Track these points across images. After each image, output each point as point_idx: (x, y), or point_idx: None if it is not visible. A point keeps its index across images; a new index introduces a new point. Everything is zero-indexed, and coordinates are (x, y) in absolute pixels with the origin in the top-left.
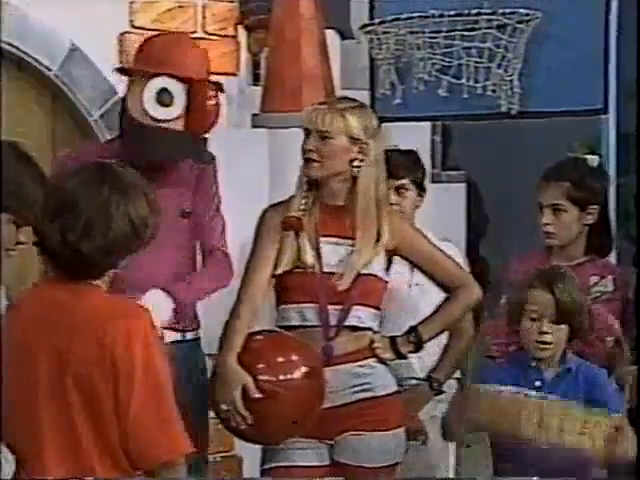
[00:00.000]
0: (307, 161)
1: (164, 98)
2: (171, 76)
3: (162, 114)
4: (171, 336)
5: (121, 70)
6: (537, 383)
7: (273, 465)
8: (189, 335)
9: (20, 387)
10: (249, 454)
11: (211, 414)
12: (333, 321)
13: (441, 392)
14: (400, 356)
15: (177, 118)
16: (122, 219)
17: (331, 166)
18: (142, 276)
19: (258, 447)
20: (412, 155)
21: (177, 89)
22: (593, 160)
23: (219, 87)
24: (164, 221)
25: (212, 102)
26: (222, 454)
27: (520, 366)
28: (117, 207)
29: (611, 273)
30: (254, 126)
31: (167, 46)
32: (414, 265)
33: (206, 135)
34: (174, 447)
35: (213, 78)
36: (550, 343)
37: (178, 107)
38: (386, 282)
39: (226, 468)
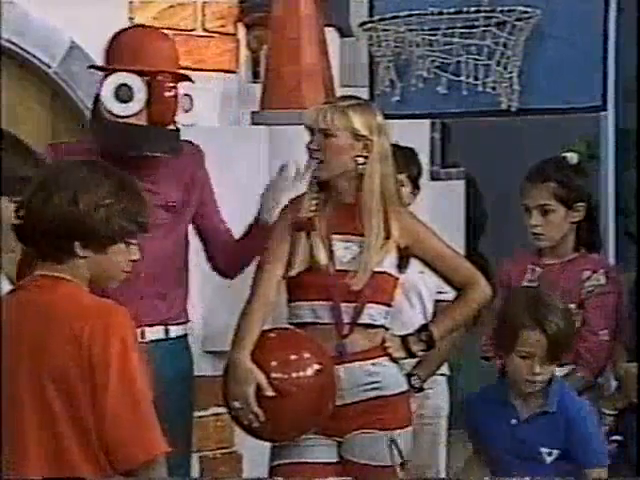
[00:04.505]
0: (313, 161)
1: (123, 94)
2: (130, 70)
3: (122, 110)
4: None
5: (93, 67)
6: (513, 421)
7: (282, 462)
8: (173, 331)
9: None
10: (248, 451)
11: (199, 413)
12: (346, 319)
13: (421, 389)
14: (411, 355)
15: (138, 113)
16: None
17: (336, 165)
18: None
19: (257, 444)
20: (409, 152)
21: (137, 83)
22: (572, 158)
23: (185, 78)
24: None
25: (170, 93)
26: (221, 451)
27: (500, 397)
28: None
29: (603, 267)
30: (254, 123)
31: (129, 40)
32: (425, 263)
33: (172, 127)
34: (150, 447)
35: (181, 70)
36: (541, 381)
37: (139, 102)
38: (396, 279)
39: (225, 465)
